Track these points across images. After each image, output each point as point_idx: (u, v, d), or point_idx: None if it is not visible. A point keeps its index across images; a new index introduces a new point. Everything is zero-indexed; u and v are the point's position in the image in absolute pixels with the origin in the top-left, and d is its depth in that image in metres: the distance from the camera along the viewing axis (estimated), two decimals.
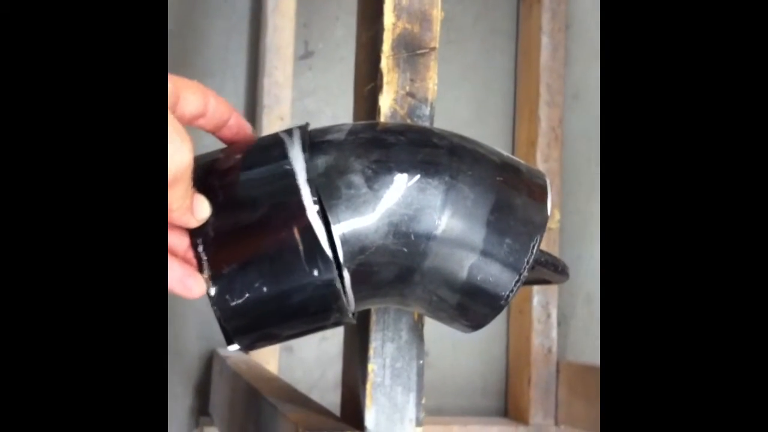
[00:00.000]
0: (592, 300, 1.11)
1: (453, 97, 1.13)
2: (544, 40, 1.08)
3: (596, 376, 0.95)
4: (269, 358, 0.99)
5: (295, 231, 0.38)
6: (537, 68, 1.08)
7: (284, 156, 0.39)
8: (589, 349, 1.11)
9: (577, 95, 1.13)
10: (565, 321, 1.09)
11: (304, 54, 1.10)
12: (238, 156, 0.40)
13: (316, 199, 0.38)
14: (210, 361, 1.02)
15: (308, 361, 1.07)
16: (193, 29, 1.07)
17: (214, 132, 0.43)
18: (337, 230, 0.39)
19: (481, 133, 1.14)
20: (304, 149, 0.39)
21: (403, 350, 0.47)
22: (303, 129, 0.41)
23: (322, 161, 0.40)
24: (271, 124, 1.00)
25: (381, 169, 0.39)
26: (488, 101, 1.15)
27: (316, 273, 0.38)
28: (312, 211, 0.38)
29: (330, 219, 0.39)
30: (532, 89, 1.08)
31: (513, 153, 1.14)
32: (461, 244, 0.40)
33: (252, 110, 1.06)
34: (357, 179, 0.39)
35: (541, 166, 1.05)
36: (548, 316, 1.05)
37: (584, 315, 1.11)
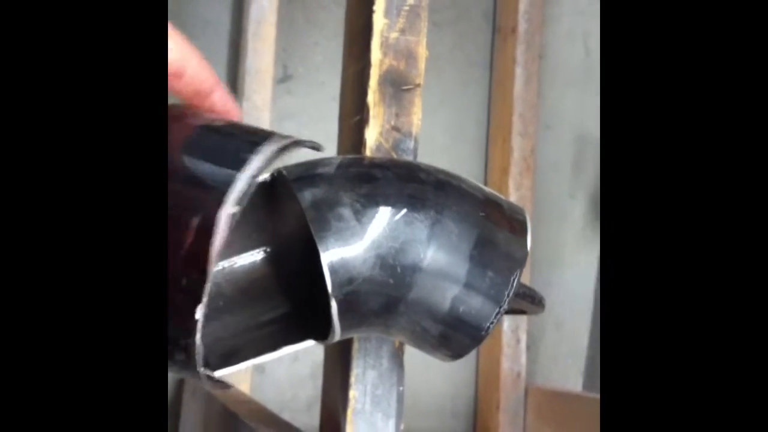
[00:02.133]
0: (560, 326, 1.13)
1: (430, 123, 1.15)
2: (518, 71, 1.11)
3: (564, 401, 0.97)
4: (241, 378, 1.00)
5: (195, 220, 0.33)
6: (510, 98, 1.10)
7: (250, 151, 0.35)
8: (556, 374, 1.13)
9: (549, 125, 1.16)
10: (534, 346, 1.11)
11: (283, 77, 1.11)
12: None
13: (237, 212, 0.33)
14: (181, 382, 1.02)
15: (280, 381, 1.07)
16: None
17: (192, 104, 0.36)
18: (326, 260, 0.40)
19: (456, 158, 1.16)
20: (269, 163, 0.36)
21: (383, 377, 0.49)
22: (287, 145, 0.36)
23: (312, 194, 0.41)
24: None
25: (369, 202, 0.41)
26: (463, 128, 1.17)
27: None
28: (226, 211, 0.33)
29: (319, 249, 0.40)
30: (506, 119, 1.11)
31: (486, 180, 1.16)
32: (445, 277, 0.41)
33: None
34: (346, 212, 0.41)
35: (513, 193, 1.08)
36: (518, 341, 1.07)
37: (553, 340, 1.13)
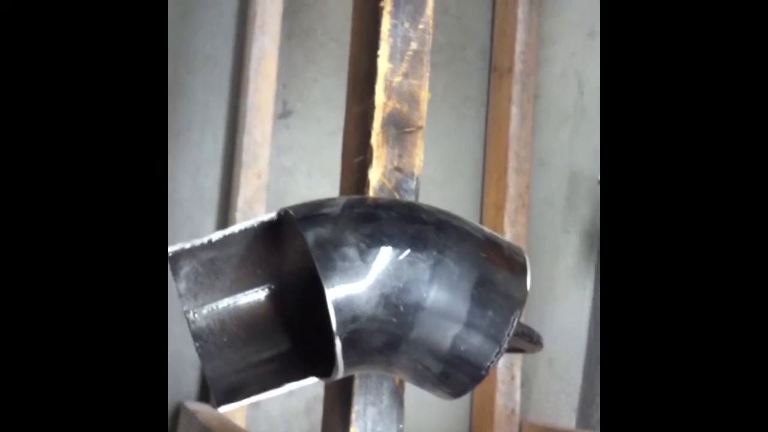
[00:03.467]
0: (553, 363, 1.14)
1: (426, 159, 1.17)
2: (513, 110, 1.13)
3: None
4: (236, 412, 0.99)
5: None
6: (506, 136, 1.12)
7: None
8: (549, 411, 1.14)
9: (543, 162, 1.18)
10: (527, 383, 1.12)
11: (283, 113, 1.13)
12: None
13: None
14: (176, 415, 1.02)
15: (273, 416, 1.07)
16: (175, 84, 1.09)
17: None
18: (331, 298, 0.41)
19: (451, 195, 1.17)
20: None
21: (384, 414, 0.49)
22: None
23: (317, 233, 0.42)
24: (249, 181, 1.02)
25: (374, 242, 0.42)
26: (458, 164, 1.19)
27: None
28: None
29: (325, 287, 0.41)
30: (501, 156, 1.13)
31: (481, 216, 1.17)
32: (447, 316, 0.42)
33: (230, 166, 1.08)
34: (351, 252, 0.42)
35: (508, 230, 1.09)
36: (512, 377, 1.07)
37: (546, 377, 1.13)
